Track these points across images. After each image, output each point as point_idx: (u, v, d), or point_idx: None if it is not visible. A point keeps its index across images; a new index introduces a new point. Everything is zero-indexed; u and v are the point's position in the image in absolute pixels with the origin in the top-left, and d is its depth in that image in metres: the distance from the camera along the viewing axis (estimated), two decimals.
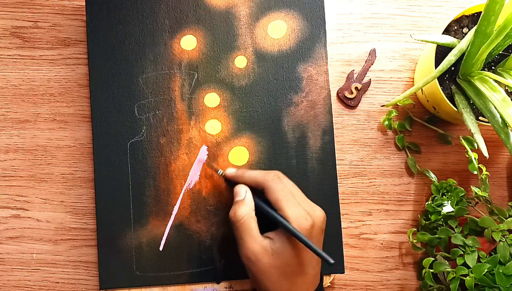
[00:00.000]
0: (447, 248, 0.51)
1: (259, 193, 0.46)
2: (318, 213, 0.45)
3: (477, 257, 0.47)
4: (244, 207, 0.45)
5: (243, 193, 0.46)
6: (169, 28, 0.53)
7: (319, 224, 0.44)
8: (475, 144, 0.51)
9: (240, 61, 0.53)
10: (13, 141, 0.54)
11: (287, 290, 0.43)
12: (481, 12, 0.43)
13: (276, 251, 0.43)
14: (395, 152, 0.56)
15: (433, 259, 0.50)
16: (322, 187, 0.53)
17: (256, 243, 0.43)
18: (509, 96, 0.45)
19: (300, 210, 0.44)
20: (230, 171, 0.49)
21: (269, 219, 0.44)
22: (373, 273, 0.55)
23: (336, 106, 0.56)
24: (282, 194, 0.44)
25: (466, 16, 0.49)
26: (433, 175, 0.55)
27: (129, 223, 0.51)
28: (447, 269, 0.49)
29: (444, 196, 0.52)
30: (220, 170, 0.50)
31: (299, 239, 0.42)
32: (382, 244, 0.55)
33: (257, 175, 0.47)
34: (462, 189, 0.52)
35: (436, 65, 0.48)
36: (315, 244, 0.43)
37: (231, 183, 0.49)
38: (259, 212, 0.45)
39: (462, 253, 0.48)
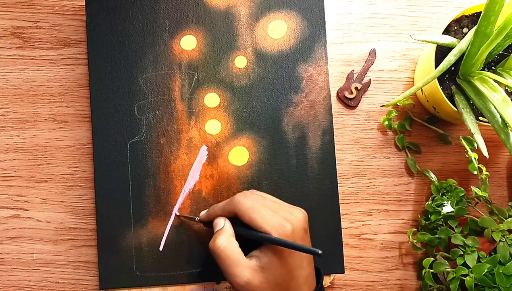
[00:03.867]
0: (447, 248, 0.51)
1: (238, 220, 0.45)
2: (297, 215, 0.44)
3: (477, 257, 0.47)
4: (223, 234, 0.44)
5: (221, 223, 0.46)
6: (169, 28, 0.53)
7: (300, 225, 0.44)
8: (475, 144, 0.51)
9: (240, 61, 0.53)
10: (13, 141, 0.54)
11: None
12: (481, 12, 0.43)
13: (264, 266, 0.43)
14: (395, 152, 0.56)
15: (433, 259, 0.50)
16: (322, 187, 0.53)
17: (242, 267, 0.43)
18: (509, 96, 0.45)
19: (276, 219, 0.43)
20: (202, 214, 0.49)
21: (253, 240, 0.44)
22: (373, 273, 0.55)
23: (336, 106, 0.56)
24: (253, 212, 0.43)
25: (466, 16, 0.49)
26: (433, 175, 0.55)
27: (129, 223, 0.51)
28: (447, 269, 0.49)
29: (444, 196, 0.52)
30: (196, 217, 0.50)
31: (282, 244, 0.42)
32: (382, 244, 0.55)
33: (225, 204, 0.46)
34: (462, 189, 0.52)
35: (436, 65, 0.48)
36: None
37: (209, 223, 0.48)
38: (241, 238, 0.45)
39: (462, 253, 0.48)
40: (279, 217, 0.43)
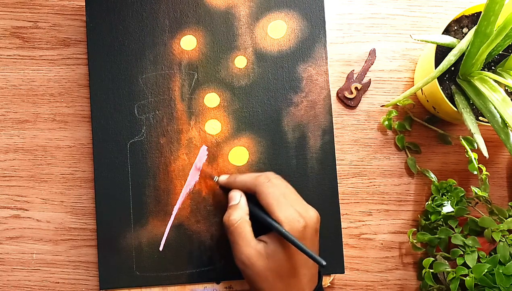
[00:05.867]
0: (447, 248, 0.51)
1: (252, 197, 0.46)
2: (311, 214, 0.45)
3: (477, 257, 0.47)
4: (238, 211, 0.45)
5: (237, 198, 0.46)
6: (169, 28, 0.53)
7: (312, 224, 0.44)
8: (475, 144, 0.51)
9: (240, 61, 0.53)
10: (13, 141, 0.54)
11: None
12: (481, 12, 0.43)
13: (270, 254, 0.43)
14: (395, 152, 0.56)
15: (433, 259, 0.50)
16: (322, 187, 0.53)
17: (250, 247, 0.43)
18: (509, 96, 0.45)
19: (292, 212, 0.43)
20: (223, 178, 0.50)
21: (264, 223, 0.44)
22: (373, 273, 0.55)
23: (336, 106, 0.56)
24: (273, 197, 0.44)
25: (466, 16, 0.49)
26: (433, 175, 0.55)
27: (129, 223, 0.51)
28: (447, 269, 0.49)
29: (444, 196, 0.52)
30: (215, 176, 0.50)
31: (291, 242, 0.42)
32: (382, 244, 0.55)
33: (248, 180, 0.47)
34: (462, 189, 0.52)
35: (436, 65, 0.48)
36: (309, 245, 0.43)
37: (226, 189, 0.49)
38: (253, 216, 0.45)
39: (462, 253, 0.48)
40: (295, 211, 0.44)
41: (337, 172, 0.53)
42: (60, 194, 0.54)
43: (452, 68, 0.49)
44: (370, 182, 0.56)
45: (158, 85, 0.53)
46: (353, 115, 0.56)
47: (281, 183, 0.46)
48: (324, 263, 0.41)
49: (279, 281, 0.43)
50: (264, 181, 0.45)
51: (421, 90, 0.53)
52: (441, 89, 0.48)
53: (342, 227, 0.53)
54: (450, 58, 0.46)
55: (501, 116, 0.44)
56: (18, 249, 0.54)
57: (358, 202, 0.55)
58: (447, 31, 0.49)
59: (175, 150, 0.52)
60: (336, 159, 0.53)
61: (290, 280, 0.43)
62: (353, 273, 0.55)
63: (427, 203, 0.53)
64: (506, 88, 0.48)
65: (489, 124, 0.46)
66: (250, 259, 0.43)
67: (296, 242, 0.42)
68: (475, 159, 0.50)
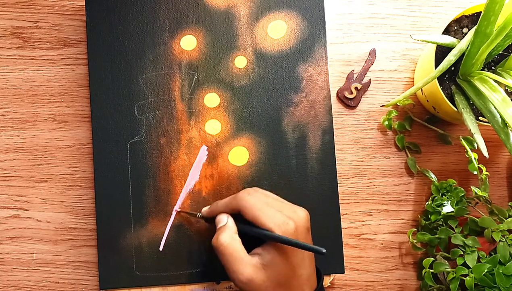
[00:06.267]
0: (447, 248, 0.51)
1: (239, 217, 0.46)
2: (299, 214, 0.45)
3: (477, 257, 0.47)
4: (227, 231, 0.45)
5: (224, 219, 0.46)
6: (169, 28, 0.53)
7: (303, 224, 0.44)
8: (475, 145, 0.51)
9: (240, 61, 0.53)
10: (13, 142, 0.54)
11: None
12: (481, 12, 0.43)
13: (266, 264, 0.43)
14: (395, 152, 0.56)
15: (433, 259, 0.50)
16: (322, 187, 0.53)
17: (245, 264, 0.43)
18: (509, 96, 0.45)
19: (279, 217, 0.43)
20: (205, 209, 0.50)
21: (256, 237, 0.44)
22: (373, 273, 0.55)
23: (336, 106, 0.56)
24: (256, 209, 0.44)
25: (466, 16, 0.49)
26: (433, 175, 0.55)
27: (129, 223, 0.51)
28: (447, 269, 0.49)
29: (444, 196, 0.52)
30: (198, 213, 0.50)
31: (286, 242, 0.42)
32: (382, 244, 0.55)
33: (228, 201, 0.47)
34: (462, 189, 0.52)
35: (436, 65, 0.48)
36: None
37: (211, 220, 0.48)
38: (243, 234, 0.45)
39: (462, 253, 0.48)
40: (283, 215, 0.44)
41: (337, 172, 0.53)
42: (60, 194, 0.54)
43: (452, 68, 0.49)
44: (370, 182, 0.56)
45: (158, 85, 0.53)
46: (353, 115, 0.56)
47: (260, 194, 0.46)
48: (323, 250, 0.41)
49: (279, 288, 0.43)
50: (243, 195, 0.45)
51: (421, 90, 0.53)
52: (441, 89, 0.48)
53: (342, 227, 0.53)
54: (450, 58, 0.46)
55: (501, 116, 0.44)
56: (18, 249, 0.54)
57: (358, 202, 0.55)
58: (447, 31, 0.49)
59: (175, 150, 0.52)
60: (336, 159, 0.53)
61: (289, 283, 0.43)
62: (353, 273, 0.55)
63: (427, 203, 0.53)
64: (506, 88, 0.48)
65: (489, 124, 0.46)
66: (248, 276, 0.42)
67: (292, 240, 0.42)
68: (475, 159, 0.50)
